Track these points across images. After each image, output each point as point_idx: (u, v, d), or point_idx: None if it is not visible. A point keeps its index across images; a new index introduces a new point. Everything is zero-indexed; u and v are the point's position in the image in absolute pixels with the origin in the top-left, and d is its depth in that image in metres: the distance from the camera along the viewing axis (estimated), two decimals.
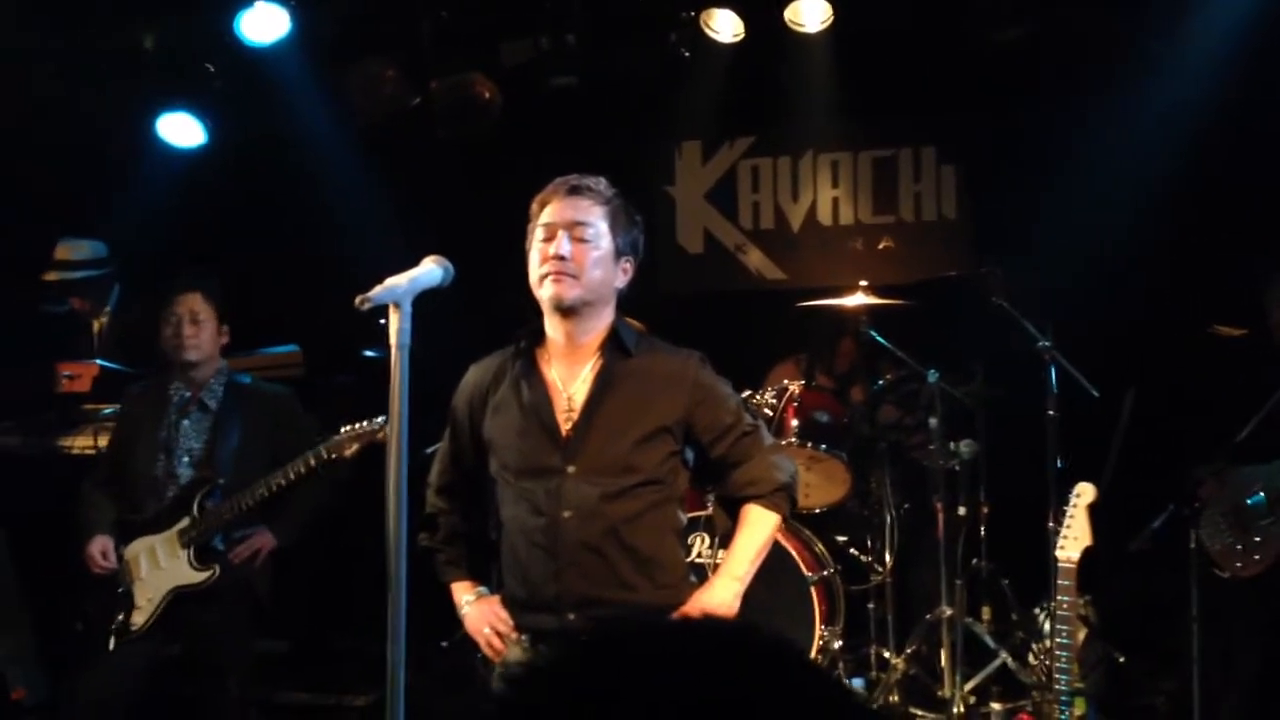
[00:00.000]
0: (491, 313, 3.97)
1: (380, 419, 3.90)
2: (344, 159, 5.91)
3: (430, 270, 2.35)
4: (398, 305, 2.21)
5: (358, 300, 2.21)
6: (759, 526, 2.81)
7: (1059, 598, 3.39)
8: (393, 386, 2.18)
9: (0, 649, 4.98)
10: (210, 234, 6.05)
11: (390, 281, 2.25)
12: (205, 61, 5.56)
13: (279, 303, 5.83)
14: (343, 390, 5.42)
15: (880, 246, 6.19)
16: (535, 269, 2.75)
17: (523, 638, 2.76)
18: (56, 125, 5.61)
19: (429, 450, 4.76)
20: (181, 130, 5.77)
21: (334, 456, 3.93)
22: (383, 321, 5.89)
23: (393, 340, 2.20)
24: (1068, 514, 3.39)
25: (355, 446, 3.92)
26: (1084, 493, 3.40)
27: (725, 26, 5.48)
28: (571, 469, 2.70)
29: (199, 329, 4.13)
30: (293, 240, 6.15)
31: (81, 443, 4.90)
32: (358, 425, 3.95)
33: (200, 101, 5.73)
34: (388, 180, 5.99)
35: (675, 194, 6.52)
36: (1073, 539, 3.36)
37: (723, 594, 2.77)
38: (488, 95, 5.78)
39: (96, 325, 5.65)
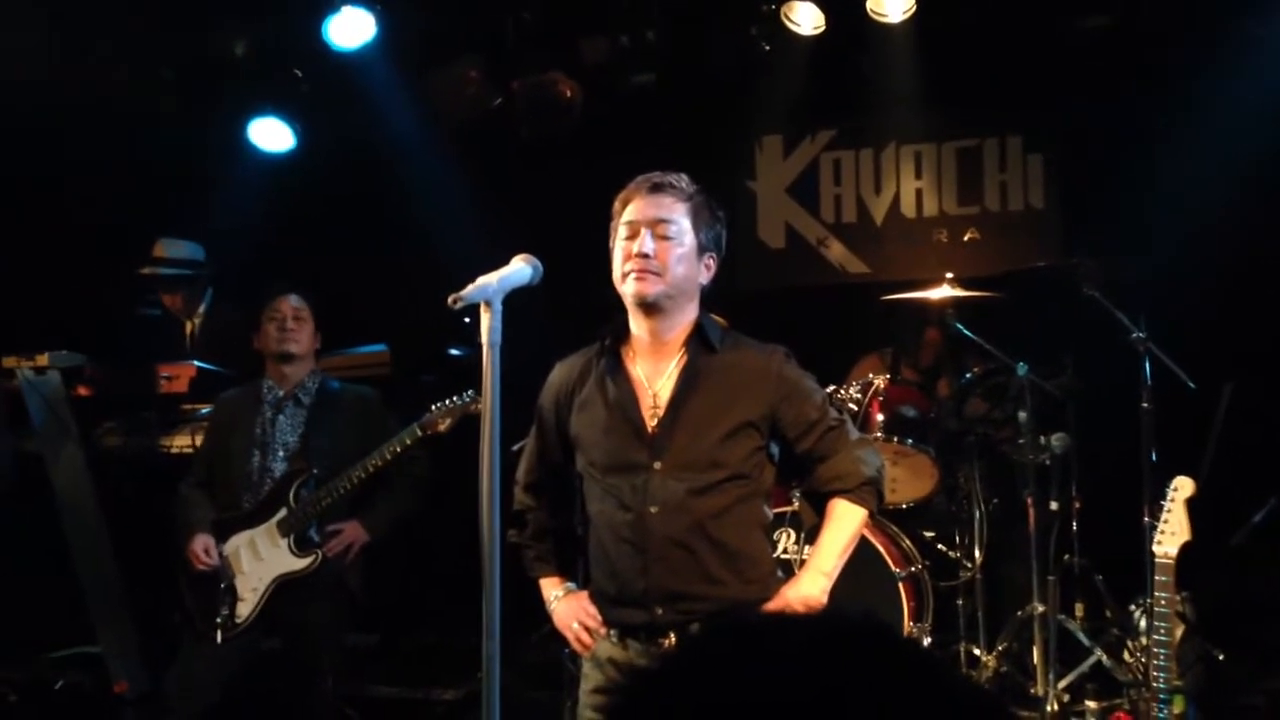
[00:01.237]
0: (575, 310, 3.99)
1: (470, 392, 3.96)
2: (429, 160, 5.99)
3: (520, 269, 2.37)
4: (489, 304, 2.24)
5: (450, 299, 2.24)
6: (846, 521, 2.79)
7: (1157, 594, 3.32)
8: (485, 384, 2.20)
9: (102, 642, 5.13)
10: (299, 237, 6.17)
11: (481, 280, 2.28)
12: (294, 67, 5.66)
13: (366, 303, 5.93)
14: (428, 389, 5.48)
15: (965, 238, 6.11)
16: (619, 266, 2.76)
17: (611, 632, 2.78)
18: (154, 131, 5.76)
19: (515, 448, 4.82)
20: (272, 135, 5.89)
21: (429, 433, 3.99)
22: (468, 320, 5.97)
23: (484, 339, 2.22)
24: (1165, 508, 3.31)
25: (449, 421, 3.99)
26: (1182, 486, 3.32)
27: (806, 18, 5.45)
28: (658, 465, 2.71)
29: (300, 326, 4.26)
30: (379, 242, 6.26)
31: (180, 442, 5.03)
32: (449, 401, 4.01)
33: (289, 106, 5.85)
34: (472, 181, 6.06)
35: (756, 189, 6.49)
36: (1170, 534, 3.29)
37: (810, 588, 2.75)
38: (569, 94, 5.81)
39: (189, 327, 5.80)
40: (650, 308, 2.74)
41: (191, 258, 5.75)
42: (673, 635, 2.69)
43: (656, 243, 2.72)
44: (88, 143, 5.76)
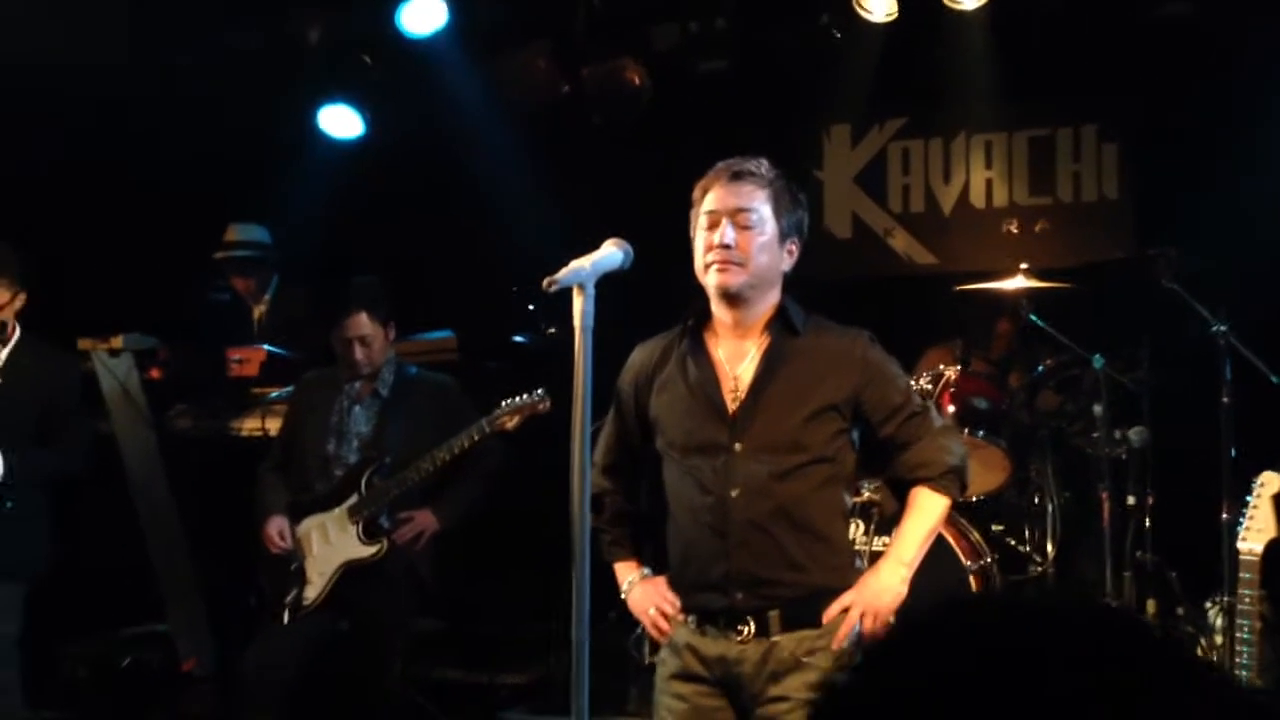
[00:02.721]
0: (647, 296, 3.98)
1: (539, 391, 3.97)
2: (498, 148, 5.99)
3: (612, 253, 2.37)
4: (581, 287, 2.23)
5: (545, 282, 2.24)
6: (928, 510, 2.76)
7: (1241, 591, 3.26)
8: (577, 367, 2.20)
9: (172, 621, 5.21)
10: (367, 224, 6.21)
11: (574, 264, 2.28)
12: (365, 53, 5.70)
13: (433, 290, 5.96)
14: (494, 376, 5.51)
15: (1036, 229, 6.01)
16: (700, 257, 2.74)
17: (689, 618, 2.76)
18: (227, 117, 5.82)
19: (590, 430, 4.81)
20: (342, 122, 5.93)
21: (496, 429, 4.01)
22: (533, 308, 5.97)
23: (577, 322, 2.22)
24: (1250, 504, 3.26)
25: (516, 419, 4.00)
26: (1269, 482, 3.26)
27: (878, 6, 5.39)
28: (739, 446, 2.69)
29: (369, 350, 4.23)
30: (447, 230, 6.28)
31: (250, 425, 5.09)
32: (518, 398, 4.02)
33: (359, 93, 5.88)
34: (540, 168, 6.06)
35: (823, 178, 6.44)
36: (1256, 530, 3.23)
37: (890, 578, 2.72)
38: (638, 81, 5.79)
39: (256, 313, 5.86)
40: (733, 298, 2.72)
41: (260, 240, 5.82)
42: (752, 622, 2.67)
43: (738, 233, 2.69)
44: (161, 128, 5.84)
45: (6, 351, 4.21)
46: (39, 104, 5.50)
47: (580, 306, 2.24)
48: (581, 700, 2.25)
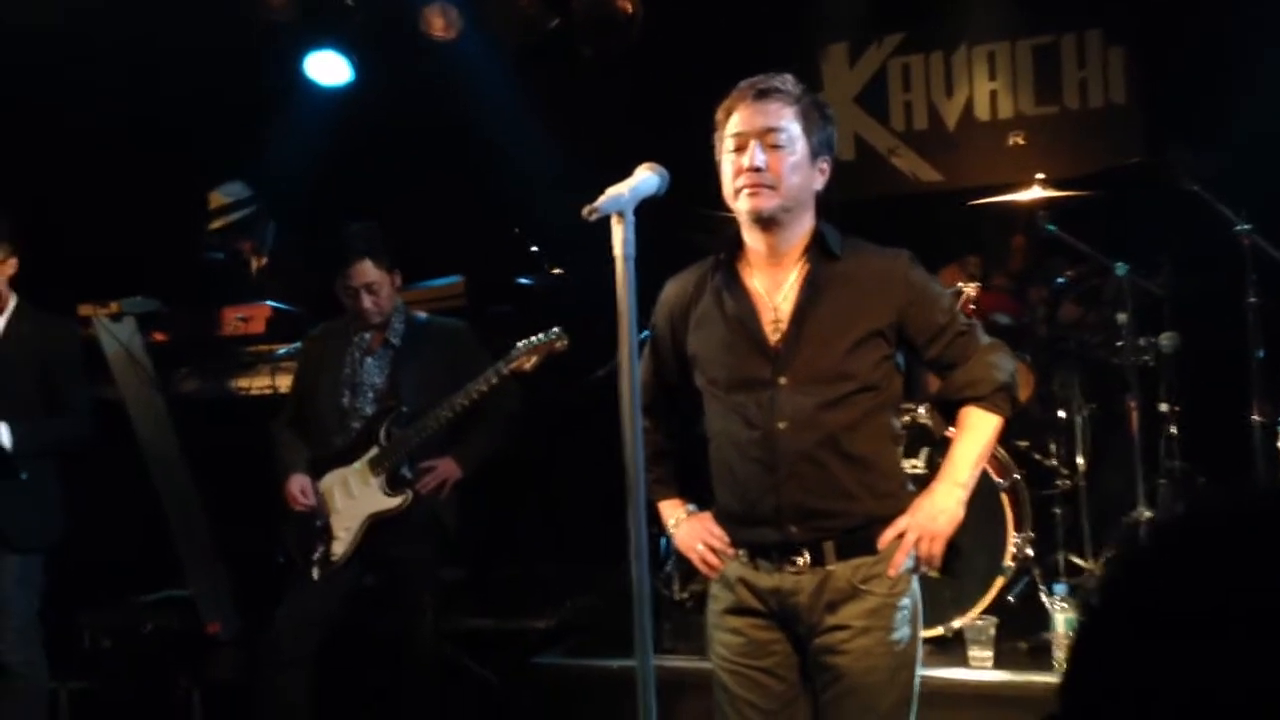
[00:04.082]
0: (663, 227, 3.89)
1: (555, 329, 3.89)
2: (490, 87, 5.85)
3: (648, 178, 2.28)
4: (621, 215, 2.14)
5: (585, 211, 2.15)
6: (980, 429, 2.70)
7: None
8: (620, 298, 2.12)
9: (192, 585, 5.16)
10: (362, 172, 6.07)
11: (612, 191, 2.18)
12: None
13: (433, 235, 5.83)
14: (502, 320, 5.42)
15: (1043, 139, 5.91)
16: (729, 182, 2.64)
17: (740, 553, 2.70)
18: (206, 67, 5.66)
19: (601, 371, 4.73)
20: (329, 68, 5.78)
21: (513, 371, 3.93)
22: (536, 248, 5.85)
23: (618, 251, 2.14)
24: None
25: (534, 359, 3.92)
26: None
27: None
28: (783, 380, 2.61)
29: (376, 296, 4.12)
30: (443, 173, 6.15)
31: (259, 383, 5.00)
32: (534, 338, 3.94)
33: (345, 39, 5.73)
34: (534, 105, 5.92)
35: (822, 99, 6.29)
36: None
37: (945, 500, 2.67)
38: (629, 8, 5.64)
39: (255, 264, 5.75)
40: (767, 223, 2.62)
41: (245, 195, 5.67)
42: (806, 553, 2.62)
43: (767, 153, 2.59)
44: (146, 86, 5.68)
45: (4, 319, 4.10)
46: (22, 62, 5.33)
47: (620, 235, 2.15)
48: (646, 638, 2.19)
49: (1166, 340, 4.44)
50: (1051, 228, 4.59)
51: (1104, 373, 4.77)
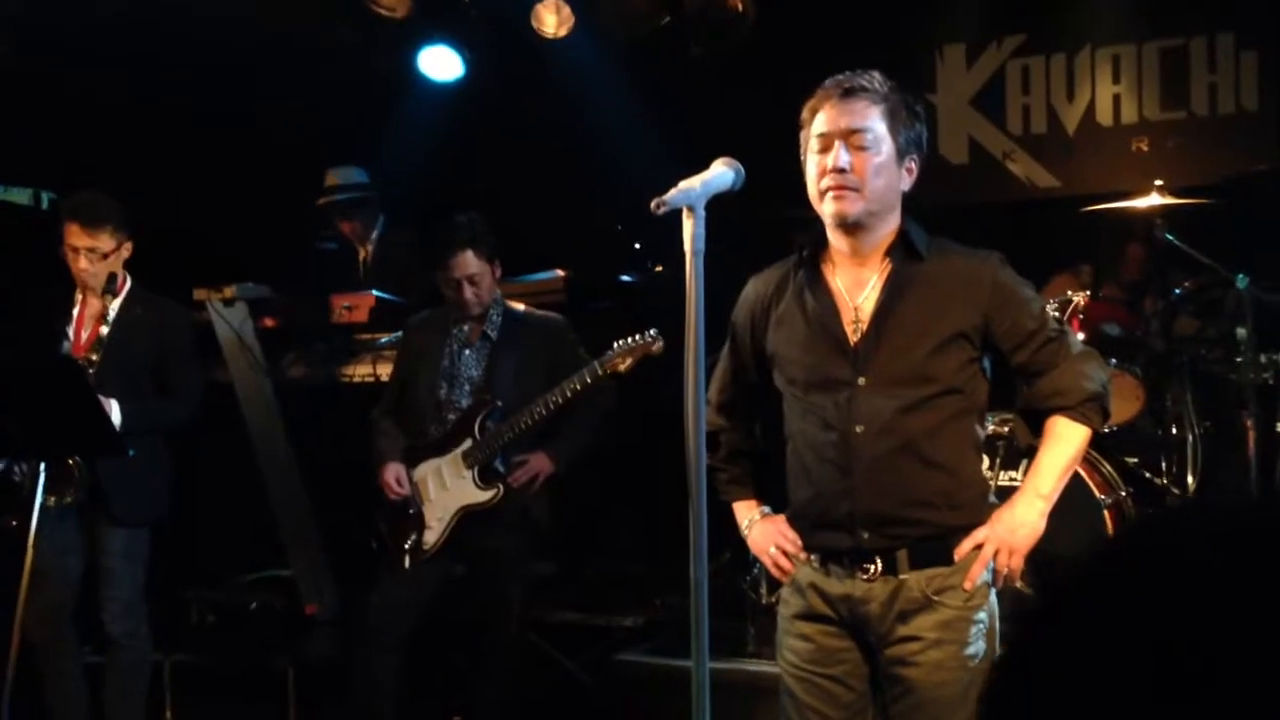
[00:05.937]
0: (760, 228, 3.84)
1: (652, 331, 3.87)
2: (600, 84, 5.86)
3: (722, 173, 2.23)
4: (691, 209, 2.10)
5: (653, 204, 2.10)
6: (1066, 441, 2.59)
7: None
8: (689, 293, 2.07)
9: (293, 566, 5.28)
10: (471, 165, 6.15)
11: (684, 185, 2.13)
12: None
13: (537, 229, 5.87)
14: (601, 316, 5.42)
15: (1169, 145, 5.69)
16: (813, 184, 2.58)
17: (812, 557, 2.65)
18: (323, 62, 5.79)
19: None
20: (442, 64, 5.86)
21: (608, 371, 3.92)
22: (639, 246, 5.84)
23: (687, 246, 2.09)
24: None
25: (629, 360, 3.90)
26: None
27: None
28: (863, 381, 2.55)
29: (477, 288, 4.13)
30: (550, 168, 6.19)
31: (362, 371, 5.09)
32: (631, 339, 3.92)
33: (458, 35, 5.80)
34: (644, 103, 5.91)
35: (937, 101, 6.17)
36: None
37: (1026, 513, 2.57)
38: (740, 7, 5.60)
39: (362, 254, 5.86)
40: (851, 226, 2.56)
41: (360, 181, 5.81)
42: (879, 561, 2.55)
43: (852, 154, 2.52)
44: (266, 77, 5.84)
45: (119, 302, 4.23)
46: (151, 55, 5.53)
47: (691, 229, 2.10)
48: (702, 640, 2.15)
49: None
50: (1169, 236, 4.41)
51: (1220, 389, 4.57)
